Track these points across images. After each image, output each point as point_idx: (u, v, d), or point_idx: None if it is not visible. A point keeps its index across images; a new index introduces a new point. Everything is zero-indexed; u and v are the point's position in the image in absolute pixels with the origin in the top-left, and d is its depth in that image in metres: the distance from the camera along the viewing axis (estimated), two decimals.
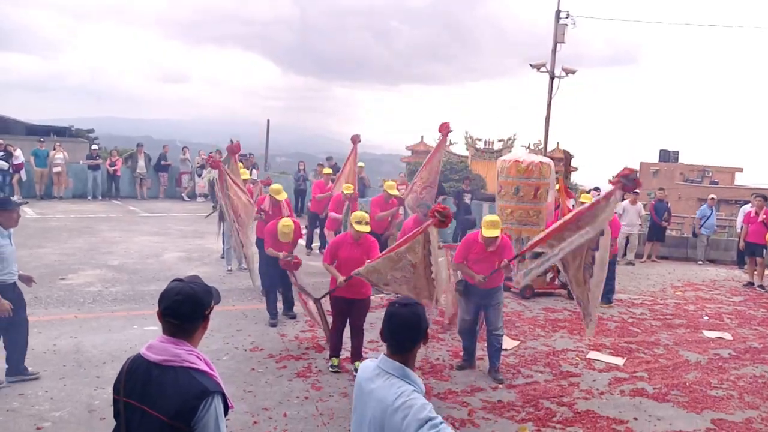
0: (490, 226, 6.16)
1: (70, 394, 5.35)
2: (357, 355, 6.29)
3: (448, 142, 31.15)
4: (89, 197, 18.64)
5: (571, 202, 10.89)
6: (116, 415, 2.38)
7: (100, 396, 5.31)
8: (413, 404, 2.25)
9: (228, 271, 10.29)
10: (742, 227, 12.76)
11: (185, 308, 2.30)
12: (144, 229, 14.09)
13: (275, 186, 9.05)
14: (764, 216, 11.71)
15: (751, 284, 11.94)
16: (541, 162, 9.69)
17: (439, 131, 10.07)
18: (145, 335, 6.76)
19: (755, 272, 11.98)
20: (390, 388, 2.33)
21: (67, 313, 7.68)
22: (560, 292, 10.19)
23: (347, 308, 6.25)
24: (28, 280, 5.73)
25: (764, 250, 11.91)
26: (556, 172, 10.69)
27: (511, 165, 9.62)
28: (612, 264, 9.97)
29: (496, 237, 6.14)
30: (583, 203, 10.33)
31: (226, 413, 2.34)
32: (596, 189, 16.06)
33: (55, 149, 18.30)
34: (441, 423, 2.22)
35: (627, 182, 5.30)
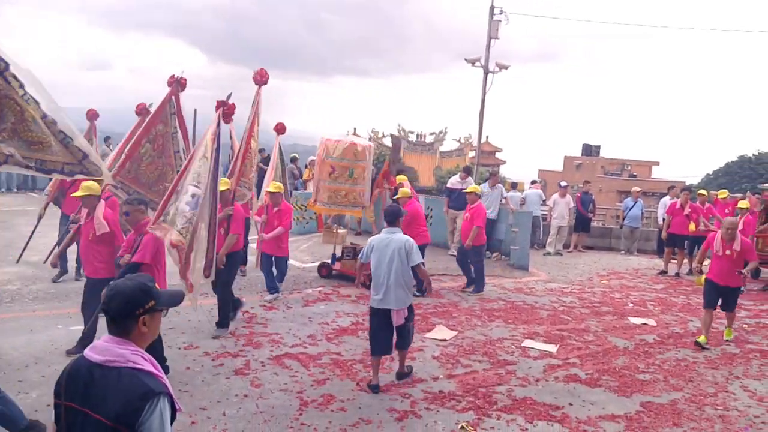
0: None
1: None
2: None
3: (380, 134, 31.16)
4: (3, 189, 17.66)
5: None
6: (57, 420, 2.26)
7: (24, 401, 4.97)
8: (414, 244, 5.74)
9: None
10: (664, 218, 13.12)
11: (114, 303, 2.23)
12: None
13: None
14: (689, 210, 12.25)
15: (664, 272, 12.51)
16: (369, 145, 10.43)
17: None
18: (71, 335, 6.41)
19: (671, 261, 12.55)
20: (401, 236, 5.68)
21: None
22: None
23: None
24: None
25: (685, 242, 12.51)
26: (388, 158, 11.36)
27: (348, 147, 9.83)
28: (479, 254, 9.86)
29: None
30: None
31: (174, 416, 2.23)
32: (533, 182, 16.55)
33: None
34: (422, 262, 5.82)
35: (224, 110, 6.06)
